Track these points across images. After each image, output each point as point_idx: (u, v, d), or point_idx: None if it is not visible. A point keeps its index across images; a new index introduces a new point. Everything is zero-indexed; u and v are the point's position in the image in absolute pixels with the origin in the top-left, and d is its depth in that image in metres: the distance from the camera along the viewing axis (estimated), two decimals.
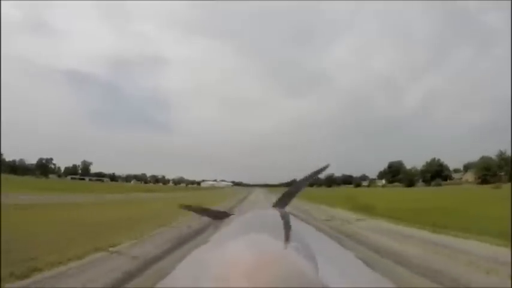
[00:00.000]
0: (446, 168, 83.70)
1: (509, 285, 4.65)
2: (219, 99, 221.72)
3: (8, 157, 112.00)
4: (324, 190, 72.15)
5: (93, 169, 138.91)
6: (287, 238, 0.38)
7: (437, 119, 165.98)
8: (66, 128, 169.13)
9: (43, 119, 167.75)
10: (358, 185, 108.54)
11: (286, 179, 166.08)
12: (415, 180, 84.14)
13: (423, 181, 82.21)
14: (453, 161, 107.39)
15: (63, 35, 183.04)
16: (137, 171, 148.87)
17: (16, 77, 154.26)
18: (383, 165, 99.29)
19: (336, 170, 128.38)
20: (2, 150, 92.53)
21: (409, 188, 68.65)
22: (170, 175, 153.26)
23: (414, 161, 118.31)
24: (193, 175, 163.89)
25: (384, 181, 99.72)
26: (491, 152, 67.54)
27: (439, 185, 70.61)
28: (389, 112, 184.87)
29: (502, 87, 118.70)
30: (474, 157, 75.72)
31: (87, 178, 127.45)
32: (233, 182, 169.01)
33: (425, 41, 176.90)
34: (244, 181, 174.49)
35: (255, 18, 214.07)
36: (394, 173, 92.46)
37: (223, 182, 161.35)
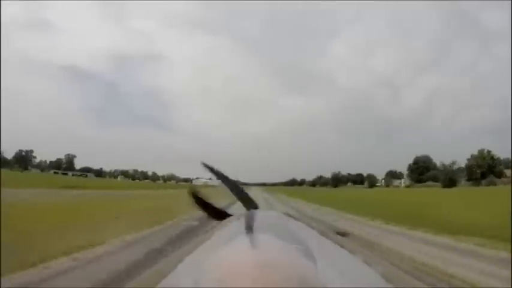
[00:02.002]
0: (499, 162, 64.37)
1: (510, 286, 4.46)
2: (219, 98, 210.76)
3: None
4: (339, 191, 58.03)
5: (86, 164, 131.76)
6: (286, 239, 0.38)
7: (438, 118, 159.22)
8: (63, 123, 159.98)
9: (39, 115, 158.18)
10: (372, 186, 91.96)
11: (285, 178, 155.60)
12: (456, 179, 65.33)
13: (469, 179, 64.59)
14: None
15: (64, 32, 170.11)
16: (135, 169, 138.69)
17: (14, 73, 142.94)
18: (385, 165, 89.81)
19: (337, 170, 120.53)
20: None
21: (461, 188, 51.11)
22: (165, 172, 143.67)
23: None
24: (191, 173, 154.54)
25: (402, 181, 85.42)
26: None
27: (493, 184, 53.85)
28: (391, 112, 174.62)
29: (504, 87, 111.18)
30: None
31: (70, 173, 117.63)
32: None
33: (427, 41, 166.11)
34: (242, 180, 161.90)
35: (257, 18, 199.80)
36: (422, 170, 76.55)
37: (218, 180, 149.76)
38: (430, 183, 71.33)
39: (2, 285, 4.04)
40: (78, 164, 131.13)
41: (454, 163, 69.72)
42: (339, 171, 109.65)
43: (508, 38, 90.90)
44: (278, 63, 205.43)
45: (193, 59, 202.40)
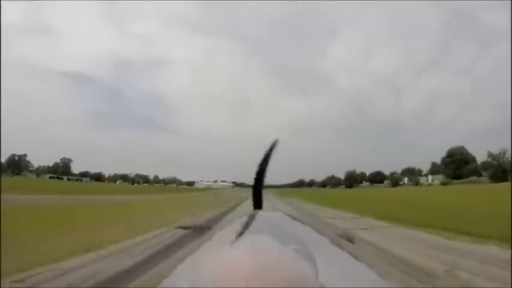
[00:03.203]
0: None
1: (510, 286, 4.41)
2: (220, 99, 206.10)
3: None
4: (363, 192, 46.90)
5: (87, 169, 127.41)
6: (287, 240, 0.38)
7: (439, 119, 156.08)
8: (63, 128, 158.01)
9: (40, 119, 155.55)
10: (396, 184, 79.44)
11: (291, 179, 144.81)
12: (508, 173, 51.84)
13: None
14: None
15: (64, 36, 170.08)
16: (137, 173, 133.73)
17: (14, 77, 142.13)
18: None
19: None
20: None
21: None
22: (166, 175, 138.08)
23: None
24: (195, 176, 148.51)
25: (430, 177, 74.33)
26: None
27: None
28: (392, 113, 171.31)
29: (504, 87, 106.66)
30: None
31: (65, 177, 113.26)
32: (234, 182, 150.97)
33: (427, 42, 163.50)
34: (247, 182, 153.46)
35: (257, 19, 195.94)
36: (459, 164, 64.12)
37: (222, 183, 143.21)
38: (473, 178, 59.18)
39: (2, 286, 3.91)
40: (80, 169, 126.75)
41: (504, 152, 55.88)
42: (354, 169, 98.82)
43: (508, 38, 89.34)
44: (279, 64, 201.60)
45: (193, 61, 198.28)
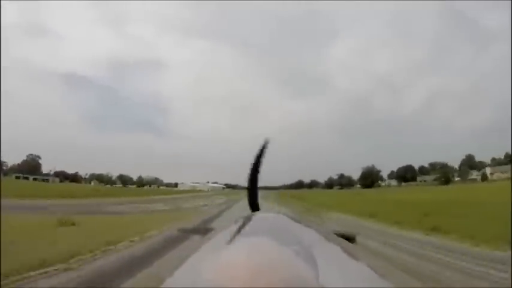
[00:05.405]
0: None
1: (509, 286, 4.44)
2: (218, 101, 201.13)
3: None
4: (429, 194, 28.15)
5: (75, 170, 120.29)
6: (287, 241, 0.38)
7: (439, 119, 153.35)
8: (57, 128, 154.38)
9: (35, 121, 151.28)
10: (447, 182, 60.41)
11: (290, 180, 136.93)
12: None
13: None
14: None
15: (61, 39, 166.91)
16: (132, 175, 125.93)
17: (13, 79, 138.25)
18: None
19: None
20: None
21: None
22: (151, 176, 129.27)
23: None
24: (188, 178, 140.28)
25: (488, 169, 60.50)
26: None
27: None
28: (392, 113, 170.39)
29: (504, 87, 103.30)
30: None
31: (31, 177, 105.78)
32: (226, 184, 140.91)
33: (428, 42, 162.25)
34: (241, 184, 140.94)
35: (256, 21, 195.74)
36: None
37: (211, 184, 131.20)
38: None
39: (2, 285, 4.02)
40: (67, 169, 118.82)
41: None
42: (373, 165, 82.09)
43: (508, 38, 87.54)
44: (279, 66, 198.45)
45: (192, 63, 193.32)
